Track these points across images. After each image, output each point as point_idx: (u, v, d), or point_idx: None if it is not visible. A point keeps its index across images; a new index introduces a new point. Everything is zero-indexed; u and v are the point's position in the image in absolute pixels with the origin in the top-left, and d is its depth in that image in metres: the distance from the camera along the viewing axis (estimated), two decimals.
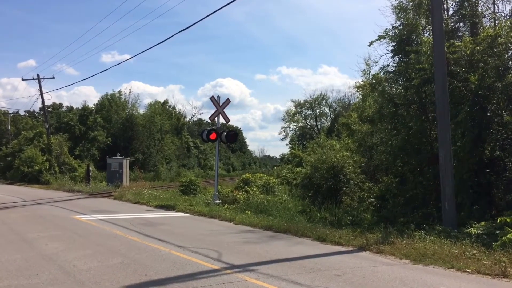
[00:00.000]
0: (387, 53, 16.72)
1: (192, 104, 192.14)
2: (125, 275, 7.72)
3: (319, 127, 69.88)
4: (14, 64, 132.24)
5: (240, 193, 20.45)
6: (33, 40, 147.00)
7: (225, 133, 20.33)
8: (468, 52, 13.59)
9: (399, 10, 16.71)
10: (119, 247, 10.33)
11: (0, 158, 51.15)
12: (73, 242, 10.97)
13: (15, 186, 39.17)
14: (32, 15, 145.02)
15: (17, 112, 67.93)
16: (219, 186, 21.80)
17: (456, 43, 14.13)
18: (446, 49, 12.91)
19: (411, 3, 16.66)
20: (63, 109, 68.19)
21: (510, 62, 14.02)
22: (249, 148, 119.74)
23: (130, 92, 61.24)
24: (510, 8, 16.09)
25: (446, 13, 16.71)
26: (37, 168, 41.90)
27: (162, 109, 64.87)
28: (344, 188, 18.00)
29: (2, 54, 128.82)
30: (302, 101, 71.54)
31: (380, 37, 16.39)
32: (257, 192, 20.27)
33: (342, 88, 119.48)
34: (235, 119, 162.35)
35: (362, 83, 21.51)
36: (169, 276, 7.69)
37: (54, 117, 60.04)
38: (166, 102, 71.56)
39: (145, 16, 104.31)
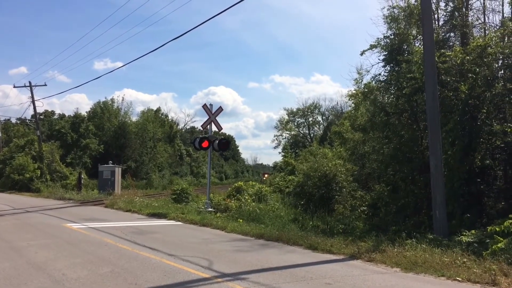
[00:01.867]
0: (378, 62, 16.87)
1: (184, 112, 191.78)
2: (115, 284, 7.66)
3: (311, 135, 70.17)
4: (5, 71, 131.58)
5: (232, 201, 20.40)
6: (25, 47, 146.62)
7: (217, 141, 20.32)
8: (458, 62, 13.74)
9: (391, 20, 16.89)
10: (109, 256, 10.25)
11: None
12: (63, 251, 10.87)
13: (5, 194, 38.75)
14: (24, 22, 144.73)
15: (9, 120, 67.50)
16: (211, 194, 21.75)
17: (447, 53, 14.28)
18: (436, 59, 13.05)
19: (402, 13, 16.83)
20: (55, 117, 67.84)
21: (500, 72, 14.19)
22: (242, 156, 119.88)
23: (123, 99, 61.16)
24: (499, 19, 16.25)
25: (436, 23, 16.92)
26: (28, 176, 41.53)
27: (155, 117, 64.78)
28: (336, 197, 18.02)
29: None
30: (295, 110, 71.95)
31: (371, 47, 16.55)
32: (249, 200, 20.24)
33: (334, 97, 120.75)
34: (228, 127, 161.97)
35: (354, 91, 21.64)
36: (159, 285, 7.64)
37: (46, 124, 59.68)
38: (158, 110, 71.56)
39: (138, 24, 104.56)
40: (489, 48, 13.44)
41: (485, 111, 13.43)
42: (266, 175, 68.41)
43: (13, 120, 66.56)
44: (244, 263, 9.59)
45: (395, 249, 10.24)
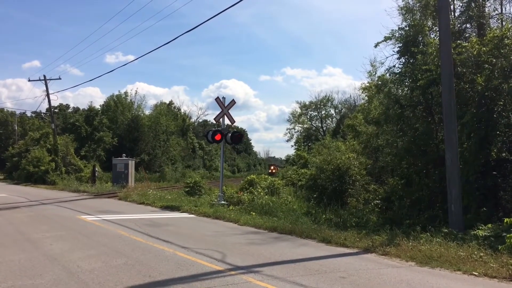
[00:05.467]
0: (393, 54, 16.64)
1: (197, 105, 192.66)
2: (129, 275, 7.70)
3: (324, 128, 69.85)
4: (18, 65, 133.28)
5: (245, 194, 20.41)
6: (38, 41, 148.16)
7: (230, 134, 20.29)
8: (474, 53, 13.48)
9: (406, 11, 16.64)
10: (123, 248, 10.31)
11: (7, 158, 51.47)
12: (78, 243, 10.97)
13: (21, 186, 39.32)
14: (36, 17, 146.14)
15: (24, 113, 68.39)
16: (224, 187, 21.77)
17: (463, 44, 14.02)
18: (452, 50, 12.81)
19: (417, 4, 16.57)
20: (70, 110, 68.55)
21: None
22: (254, 149, 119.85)
23: (136, 93, 61.40)
24: None
25: (453, 14, 16.61)
26: (43, 168, 42.05)
27: (168, 110, 64.96)
28: (349, 190, 17.90)
29: (6, 55, 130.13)
30: (307, 103, 71.62)
31: (386, 38, 16.32)
32: (262, 193, 20.22)
33: (347, 90, 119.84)
34: (240, 120, 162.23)
35: (367, 84, 21.41)
36: (173, 277, 7.66)
37: (60, 118, 60.34)
38: (171, 103, 71.74)
39: (150, 18, 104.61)
40: (506, 39, 13.15)
41: (502, 103, 13.18)
42: (272, 167, 68.12)
43: (28, 114, 67.43)
44: (257, 256, 9.57)
45: (410, 243, 10.15)
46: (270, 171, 63.90)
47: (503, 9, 16.54)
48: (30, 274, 7.79)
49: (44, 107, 77.34)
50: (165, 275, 7.78)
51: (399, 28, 16.21)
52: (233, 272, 8.05)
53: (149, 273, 7.90)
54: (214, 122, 23.29)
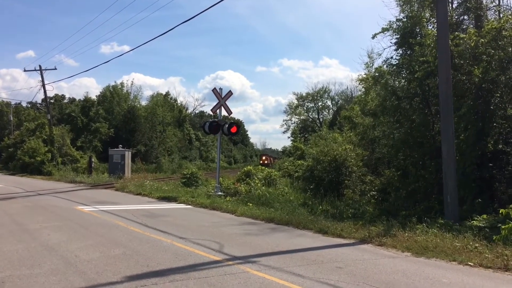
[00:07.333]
0: (390, 46, 16.63)
1: (193, 96, 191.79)
2: (127, 265, 7.72)
3: (321, 120, 69.84)
4: (13, 55, 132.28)
5: (242, 185, 20.45)
6: (33, 31, 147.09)
7: (227, 125, 20.26)
8: (472, 45, 13.49)
9: (403, 2, 16.64)
10: (121, 238, 10.33)
11: (3, 149, 51.32)
12: (75, 233, 10.98)
13: (17, 176, 39.21)
14: (31, 7, 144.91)
15: (19, 103, 68.07)
16: (220, 178, 21.79)
17: (461, 36, 14.02)
18: (450, 42, 12.81)
19: None
20: (65, 101, 68.23)
21: None
22: (251, 140, 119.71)
23: (132, 84, 61.07)
24: None
25: (450, 5, 16.58)
26: (39, 159, 41.89)
27: (164, 101, 64.50)
28: (346, 181, 17.97)
29: (1, 45, 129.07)
30: (304, 94, 71.59)
31: (383, 30, 16.31)
32: (259, 185, 20.27)
33: (344, 81, 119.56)
34: (236, 111, 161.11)
35: (364, 76, 21.44)
36: (170, 267, 7.69)
37: (56, 108, 60.06)
38: (167, 94, 71.33)
39: (146, 8, 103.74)
40: (504, 31, 13.17)
41: (498, 95, 13.22)
42: (264, 158, 67.66)
43: (24, 104, 67.10)
44: (254, 247, 9.62)
45: (406, 234, 10.22)
46: (261, 161, 63.40)
47: (501, 0, 16.54)
48: (28, 264, 7.80)
49: (39, 97, 76.96)
50: (163, 265, 7.81)
51: (396, 19, 16.21)
52: (230, 262, 8.09)
53: (147, 263, 7.93)
54: (211, 113, 23.32)
